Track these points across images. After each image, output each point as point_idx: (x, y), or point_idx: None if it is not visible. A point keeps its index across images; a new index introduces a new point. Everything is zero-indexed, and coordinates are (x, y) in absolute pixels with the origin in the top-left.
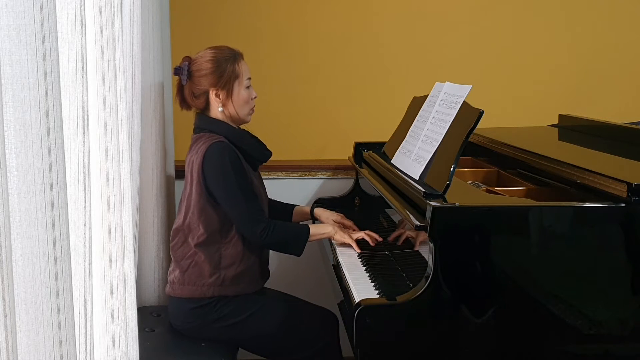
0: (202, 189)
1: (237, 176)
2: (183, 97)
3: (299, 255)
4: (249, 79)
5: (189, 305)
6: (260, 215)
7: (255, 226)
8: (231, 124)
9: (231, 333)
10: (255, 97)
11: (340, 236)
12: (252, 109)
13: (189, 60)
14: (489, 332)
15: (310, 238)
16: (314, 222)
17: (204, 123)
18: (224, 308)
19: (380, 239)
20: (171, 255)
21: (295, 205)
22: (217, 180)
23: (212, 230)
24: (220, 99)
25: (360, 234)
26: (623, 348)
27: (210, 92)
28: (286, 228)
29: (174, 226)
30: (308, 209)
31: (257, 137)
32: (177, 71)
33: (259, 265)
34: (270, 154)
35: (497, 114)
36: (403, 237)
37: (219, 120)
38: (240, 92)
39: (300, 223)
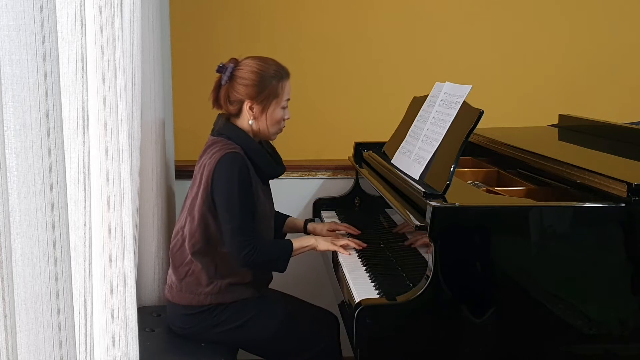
0: (207, 196)
1: (240, 191)
2: (217, 97)
3: (282, 271)
4: (288, 99)
5: (186, 311)
6: (249, 237)
7: (240, 249)
8: (252, 136)
9: (231, 337)
10: (287, 118)
11: (324, 246)
12: (281, 129)
13: (235, 62)
14: (489, 332)
15: (293, 253)
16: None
17: (225, 129)
18: (222, 314)
19: (364, 245)
20: (170, 257)
21: (289, 216)
22: (221, 191)
23: (210, 239)
24: (253, 112)
25: (344, 242)
26: (623, 348)
27: (245, 103)
28: (269, 249)
29: (176, 226)
30: (301, 224)
31: (274, 148)
32: (220, 69)
33: (258, 275)
34: (282, 170)
35: (497, 114)
36: (405, 243)
37: (241, 130)
38: (275, 110)
39: (286, 238)
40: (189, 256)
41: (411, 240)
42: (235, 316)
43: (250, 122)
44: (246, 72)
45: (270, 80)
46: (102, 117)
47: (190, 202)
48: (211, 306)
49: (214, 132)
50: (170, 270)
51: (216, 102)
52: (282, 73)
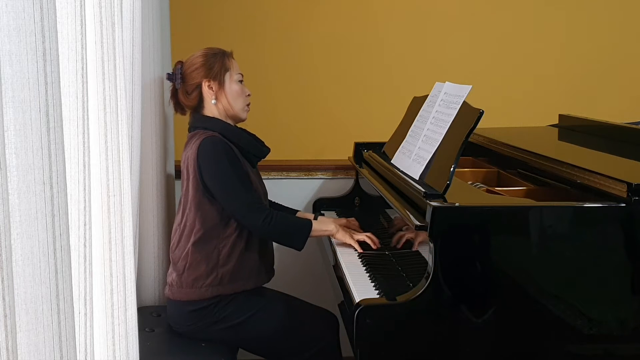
0: (198, 183)
1: (232, 167)
2: (177, 100)
3: (300, 249)
4: (241, 74)
5: (187, 308)
6: (260, 204)
7: (257, 215)
8: (226, 120)
9: (231, 335)
10: (249, 95)
11: (341, 235)
12: (248, 106)
13: (181, 63)
14: (489, 332)
15: (313, 233)
16: None
17: (198, 121)
18: (223, 310)
19: (379, 245)
20: (170, 257)
21: (297, 210)
22: (213, 173)
23: (209, 226)
24: (213, 90)
25: (362, 236)
26: (623, 348)
27: (203, 84)
28: (288, 219)
29: (174, 226)
30: (312, 217)
31: (254, 135)
32: (170, 77)
33: (259, 263)
34: (268, 150)
35: (497, 114)
36: (403, 240)
37: (214, 117)
38: (232, 85)
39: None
40: (188, 249)
41: (408, 236)
42: (236, 313)
43: (213, 101)
44: (192, 60)
45: (215, 57)
46: (102, 117)
47: (183, 198)
48: (212, 301)
49: (189, 129)
50: (170, 269)
51: (177, 105)
52: (224, 52)
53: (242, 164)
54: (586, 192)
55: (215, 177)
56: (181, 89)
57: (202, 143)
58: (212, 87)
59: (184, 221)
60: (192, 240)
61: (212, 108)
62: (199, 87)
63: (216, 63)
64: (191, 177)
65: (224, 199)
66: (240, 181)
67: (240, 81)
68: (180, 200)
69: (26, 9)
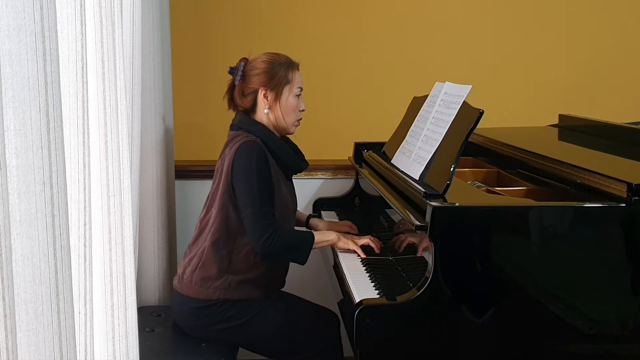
0: (228, 184)
1: (259, 177)
2: (232, 96)
3: (302, 263)
4: (300, 88)
5: (193, 304)
6: (269, 222)
7: (261, 233)
8: (273, 130)
9: (233, 334)
10: (303, 110)
11: (343, 243)
12: (299, 121)
13: (245, 61)
14: (489, 332)
15: (315, 246)
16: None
17: (244, 122)
18: (227, 311)
19: (380, 249)
20: (187, 248)
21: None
22: (240, 178)
23: (228, 229)
24: (268, 100)
25: (364, 240)
26: (623, 348)
27: (260, 91)
28: (289, 236)
29: (197, 220)
30: (304, 217)
31: (296, 147)
32: (232, 71)
33: (270, 275)
34: (306, 165)
35: (497, 114)
36: (404, 244)
37: (260, 123)
38: (288, 98)
39: (304, 230)
40: (205, 247)
41: (410, 239)
42: (240, 314)
43: (265, 111)
44: (257, 64)
45: (280, 67)
46: (102, 117)
47: (211, 194)
48: (218, 301)
49: (232, 127)
50: (184, 261)
51: (231, 102)
52: (291, 62)
53: (273, 175)
54: (586, 192)
55: (241, 182)
56: (239, 87)
57: (240, 146)
58: (267, 97)
59: (206, 218)
60: (209, 239)
61: (262, 115)
62: (255, 92)
63: (278, 73)
64: (223, 177)
65: (241, 204)
66: (260, 193)
67: (298, 95)
68: (208, 196)
69: (26, 9)
